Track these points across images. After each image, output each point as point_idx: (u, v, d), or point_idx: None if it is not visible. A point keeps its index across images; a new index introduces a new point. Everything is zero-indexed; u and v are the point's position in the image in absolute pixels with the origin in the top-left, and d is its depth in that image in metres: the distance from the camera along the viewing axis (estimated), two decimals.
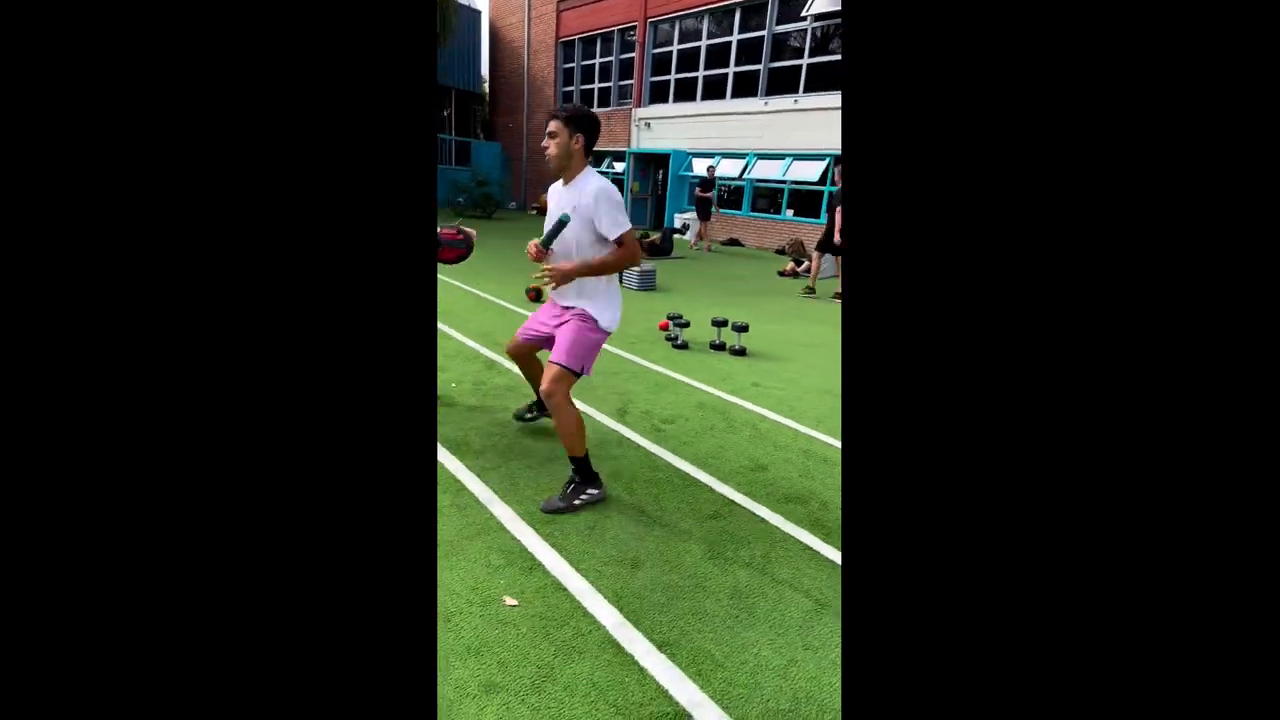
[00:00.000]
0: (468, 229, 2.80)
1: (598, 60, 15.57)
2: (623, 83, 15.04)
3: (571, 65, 16.31)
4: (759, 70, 11.67)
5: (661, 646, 1.53)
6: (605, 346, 3.71)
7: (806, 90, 10.95)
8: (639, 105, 14.29)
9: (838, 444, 2.82)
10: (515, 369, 3.58)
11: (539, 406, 2.80)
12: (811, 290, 6.98)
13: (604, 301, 2.25)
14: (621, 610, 1.65)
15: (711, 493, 2.31)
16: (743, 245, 12.10)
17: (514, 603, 1.65)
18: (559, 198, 2.28)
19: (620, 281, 2.33)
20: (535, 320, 2.43)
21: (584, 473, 2.19)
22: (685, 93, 13.35)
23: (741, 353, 4.22)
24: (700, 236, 10.62)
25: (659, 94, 14.04)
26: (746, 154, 11.92)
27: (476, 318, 4.74)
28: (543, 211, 16.63)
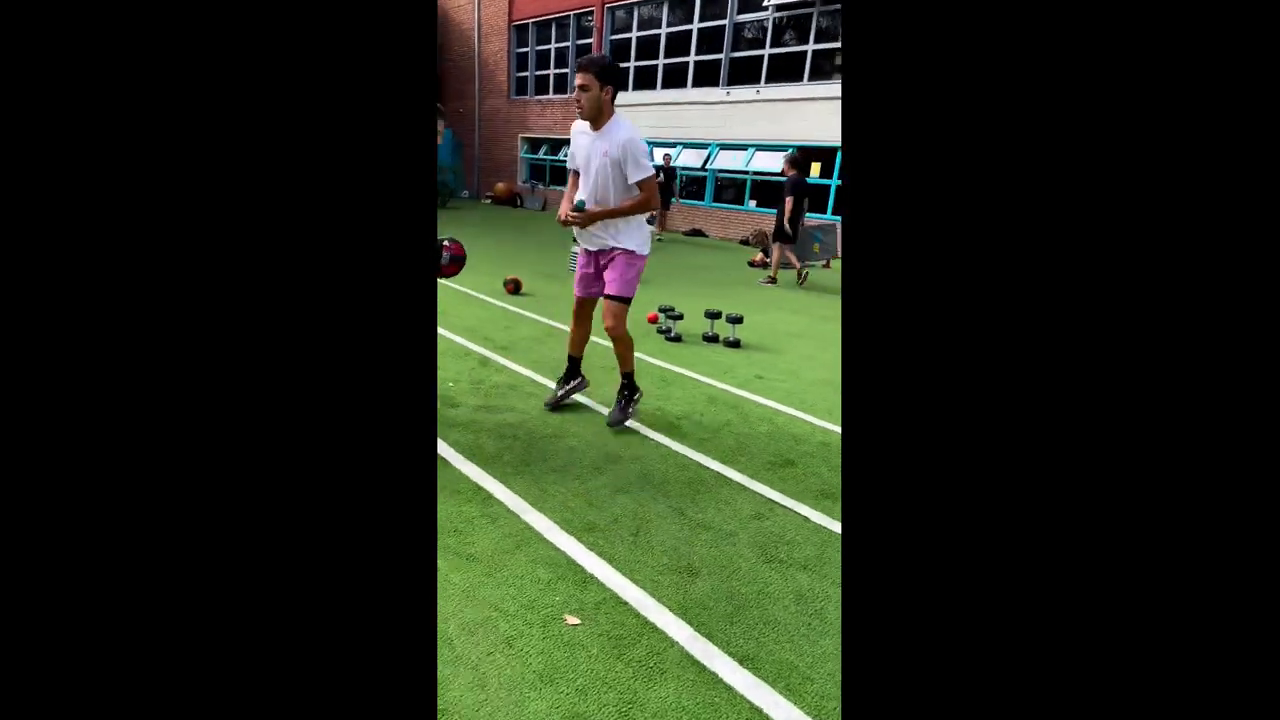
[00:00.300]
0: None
1: (553, 45, 15.20)
2: None
3: (525, 50, 15.87)
4: (720, 60, 11.64)
5: (743, 661, 1.45)
6: (599, 341, 3.63)
7: (769, 80, 10.99)
8: None
9: None
10: (512, 365, 3.42)
11: (569, 378, 2.90)
12: (773, 280, 7.01)
13: (636, 235, 2.61)
14: (690, 623, 1.56)
15: (746, 491, 2.24)
16: (706, 236, 12.10)
17: (576, 621, 1.54)
18: (589, 143, 2.53)
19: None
20: (584, 275, 2.74)
21: (632, 384, 2.73)
22: (645, 81, 13.20)
23: (736, 345, 4.17)
24: (659, 225, 10.55)
25: (617, 82, 13.83)
26: (709, 144, 11.90)
27: (458, 313, 4.53)
28: (498, 200, 16.34)
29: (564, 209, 2.60)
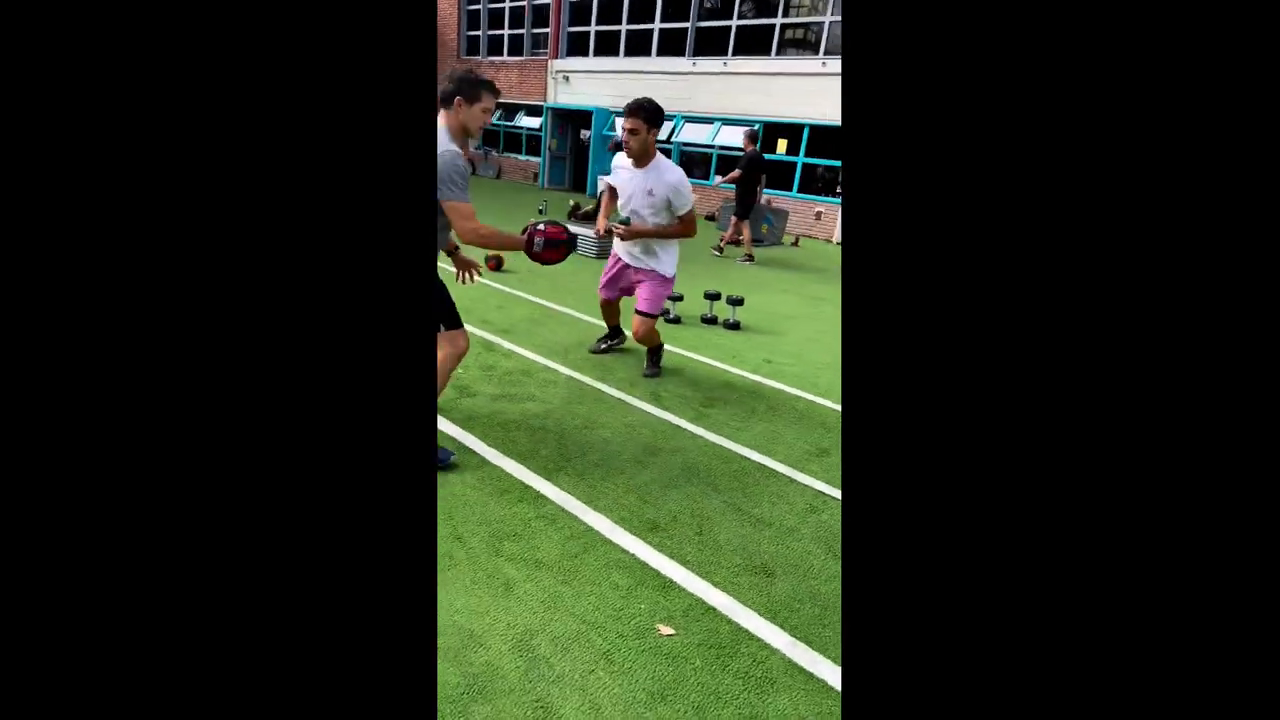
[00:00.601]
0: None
1: (507, 3, 14.47)
2: (536, 31, 14.12)
3: (477, 7, 15.06)
4: (686, 29, 11.38)
5: None
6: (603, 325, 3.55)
7: (736, 53, 10.84)
8: (555, 57, 13.51)
9: None
10: (519, 349, 3.28)
11: (610, 338, 3.40)
12: (750, 258, 7.03)
13: (672, 258, 2.98)
14: (782, 627, 1.53)
15: (794, 483, 2.23)
16: None
17: (670, 631, 1.48)
18: (632, 179, 2.82)
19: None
20: (609, 280, 3.09)
21: (655, 352, 3.10)
22: (607, 46, 12.78)
23: (736, 327, 4.14)
24: None
25: (578, 46, 13.33)
26: (674, 116, 11.68)
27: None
28: None
29: (601, 223, 2.97)
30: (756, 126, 10.20)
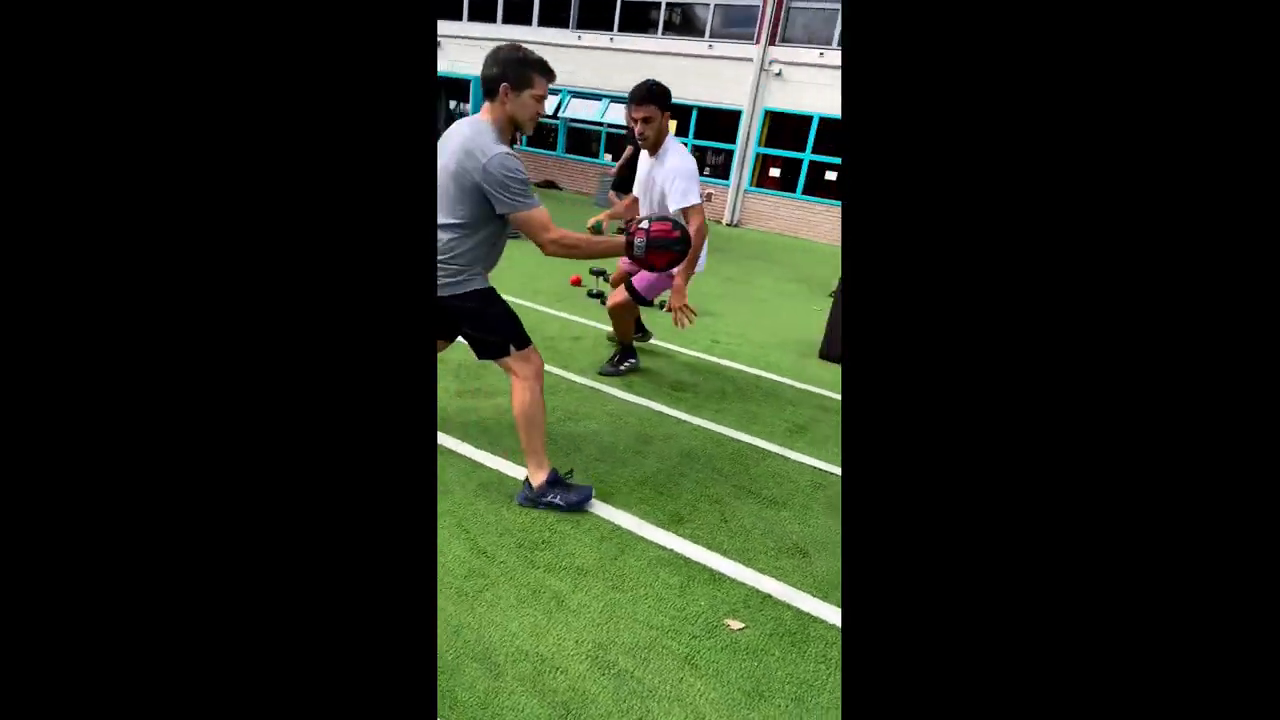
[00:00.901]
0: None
1: None
2: None
3: None
4: None
5: None
6: (541, 309, 3.40)
7: (622, 29, 10.70)
8: None
9: (835, 395, 2.96)
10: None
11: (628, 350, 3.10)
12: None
13: (701, 256, 2.65)
14: (836, 605, 1.55)
15: (789, 461, 2.27)
16: (560, 189, 11.67)
17: (741, 625, 1.45)
18: (649, 171, 2.51)
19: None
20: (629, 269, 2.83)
21: (626, 350, 2.85)
22: (482, 12, 12.04)
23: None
24: None
25: (449, 8, 12.42)
26: (559, 90, 11.34)
27: None
28: None
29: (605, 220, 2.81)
30: None
